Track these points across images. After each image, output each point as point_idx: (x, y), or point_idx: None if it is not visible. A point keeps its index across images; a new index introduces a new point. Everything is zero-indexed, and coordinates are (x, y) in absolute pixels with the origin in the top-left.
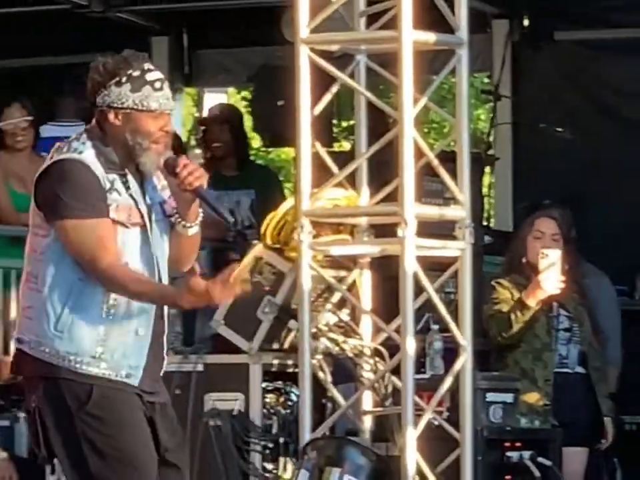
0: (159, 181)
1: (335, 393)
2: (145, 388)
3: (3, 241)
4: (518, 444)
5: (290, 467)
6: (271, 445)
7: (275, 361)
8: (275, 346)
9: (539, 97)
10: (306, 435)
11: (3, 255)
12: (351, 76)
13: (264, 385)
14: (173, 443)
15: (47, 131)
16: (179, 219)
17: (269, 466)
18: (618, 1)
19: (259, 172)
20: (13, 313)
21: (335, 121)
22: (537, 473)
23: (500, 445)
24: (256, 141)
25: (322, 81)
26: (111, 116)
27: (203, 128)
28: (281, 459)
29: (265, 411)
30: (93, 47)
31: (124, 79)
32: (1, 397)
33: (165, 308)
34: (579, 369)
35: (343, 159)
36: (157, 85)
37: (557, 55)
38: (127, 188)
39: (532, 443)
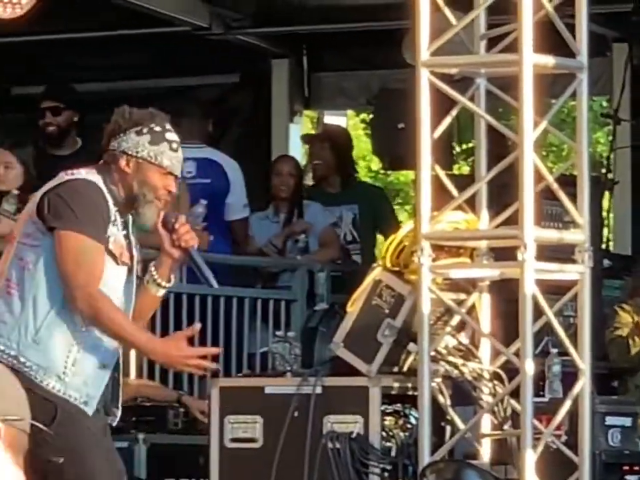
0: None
1: (454, 416)
2: (95, 416)
3: None
4: (637, 467)
5: None
6: (389, 468)
7: (395, 384)
8: (394, 369)
9: None
10: (425, 458)
11: None
12: (471, 99)
13: (383, 407)
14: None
15: None
16: (156, 276)
17: None
18: None
19: (364, 189)
20: None
21: (454, 144)
22: None
23: (619, 468)
24: (375, 164)
25: (442, 104)
26: (122, 162)
27: (306, 146)
28: None
29: (383, 433)
30: (213, 69)
31: (145, 130)
32: (120, 419)
33: None
34: None
35: (463, 181)
36: (174, 145)
37: None
38: (123, 228)
39: None
